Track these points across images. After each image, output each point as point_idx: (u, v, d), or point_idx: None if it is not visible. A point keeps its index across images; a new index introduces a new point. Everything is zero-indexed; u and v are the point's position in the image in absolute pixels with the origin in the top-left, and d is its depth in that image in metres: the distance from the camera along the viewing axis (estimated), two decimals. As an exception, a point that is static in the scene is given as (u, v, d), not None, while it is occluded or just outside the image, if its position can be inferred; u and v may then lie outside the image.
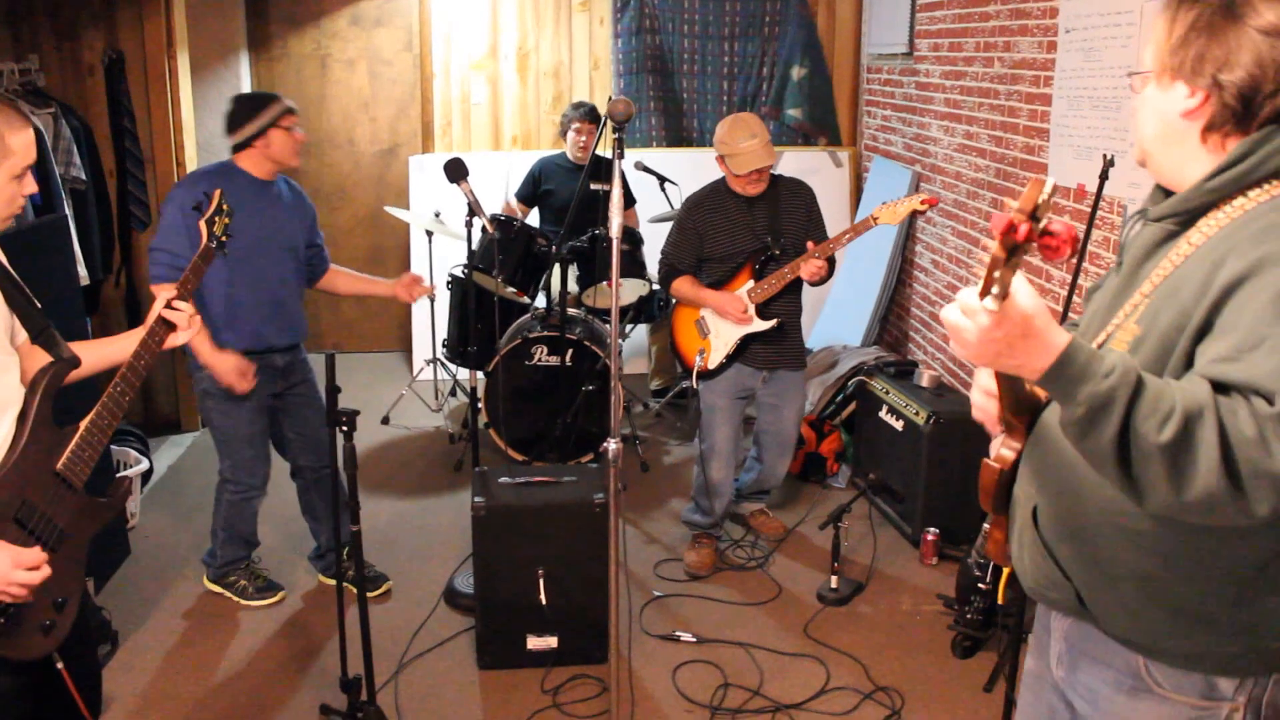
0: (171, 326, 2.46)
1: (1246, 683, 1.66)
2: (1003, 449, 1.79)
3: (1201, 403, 1.40)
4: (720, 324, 4.32)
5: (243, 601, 4.16)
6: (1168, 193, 1.71)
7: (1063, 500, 1.73)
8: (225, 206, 2.76)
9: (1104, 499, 1.64)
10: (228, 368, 3.75)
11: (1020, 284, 1.39)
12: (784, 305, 4.28)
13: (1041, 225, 1.33)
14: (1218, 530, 1.56)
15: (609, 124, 4.75)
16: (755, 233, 4.27)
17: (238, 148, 3.87)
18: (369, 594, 4.09)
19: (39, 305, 2.35)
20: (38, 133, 4.73)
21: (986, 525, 1.92)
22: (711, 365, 4.32)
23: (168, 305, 2.44)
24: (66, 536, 2.28)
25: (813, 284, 4.22)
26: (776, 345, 4.31)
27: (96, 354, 2.53)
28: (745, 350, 4.30)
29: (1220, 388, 1.43)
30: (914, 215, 4.24)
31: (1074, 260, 3.74)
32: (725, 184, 4.31)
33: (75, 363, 2.34)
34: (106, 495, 2.46)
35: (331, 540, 4.29)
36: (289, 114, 3.87)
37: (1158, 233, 1.71)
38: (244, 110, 3.86)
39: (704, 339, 4.36)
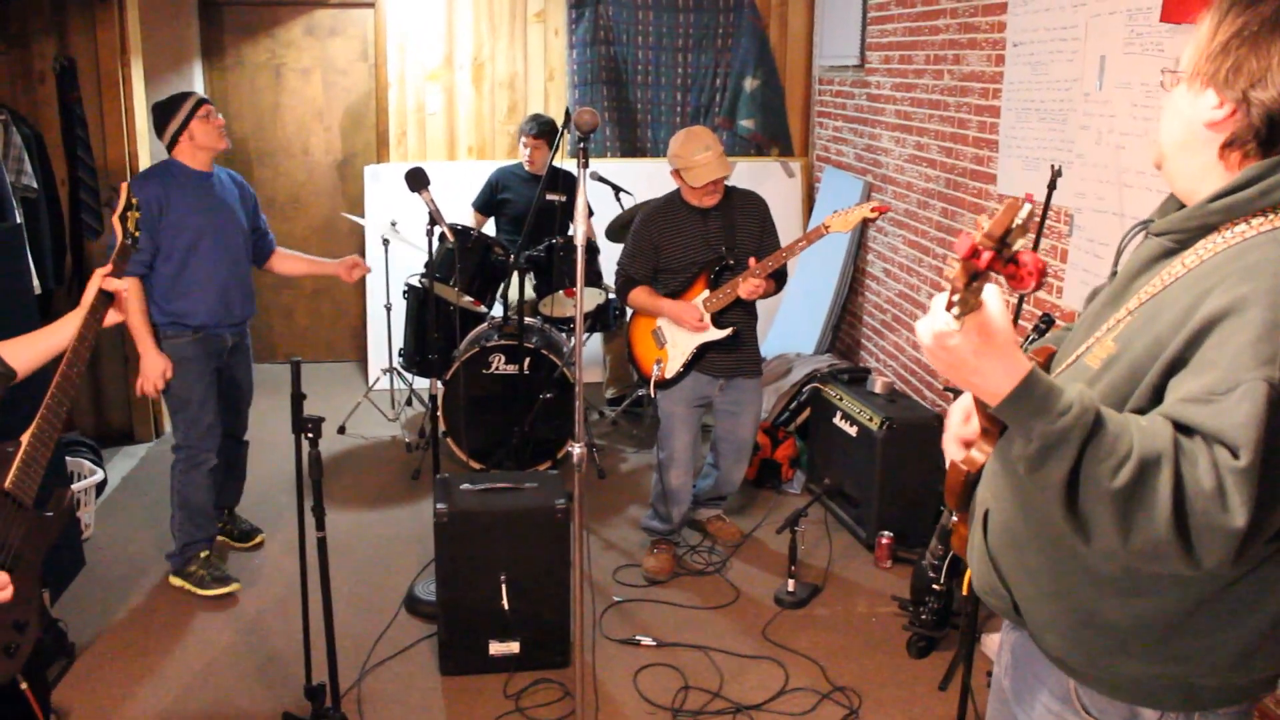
0: (110, 299, 2.47)
1: (1169, 715, 1.64)
2: (974, 451, 1.77)
3: (1160, 450, 1.36)
4: (677, 334, 4.36)
5: (199, 591, 4.26)
6: (1181, 206, 1.63)
7: (1011, 509, 1.71)
8: (134, 201, 2.74)
9: (1048, 516, 1.59)
10: (154, 369, 4.02)
11: (994, 301, 1.37)
12: (739, 314, 4.33)
13: (1010, 252, 1.29)
14: None
15: (566, 135, 4.81)
16: (710, 243, 4.32)
17: (170, 147, 4.19)
18: (242, 545, 4.70)
19: None
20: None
21: (953, 520, 1.95)
22: (669, 375, 4.37)
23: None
24: (21, 556, 2.23)
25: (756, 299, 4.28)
26: (733, 354, 4.37)
27: (40, 346, 2.48)
28: (702, 359, 4.35)
29: (1184, 429, 1.39)
30: (865, 223, 4.32)
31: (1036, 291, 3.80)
32: (680, 195, 4.37)
33: (11, 375, 2.29)
34: (49, 510, 2.40)
35: (231, 499, 4.72)
36: (203, 104, 4.18)
37: (1155, 248, 1.64)
38: (163, 113, 4.18)
39: (661, 349, 4.41)
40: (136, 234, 2.73)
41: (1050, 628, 1.70)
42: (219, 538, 4.59)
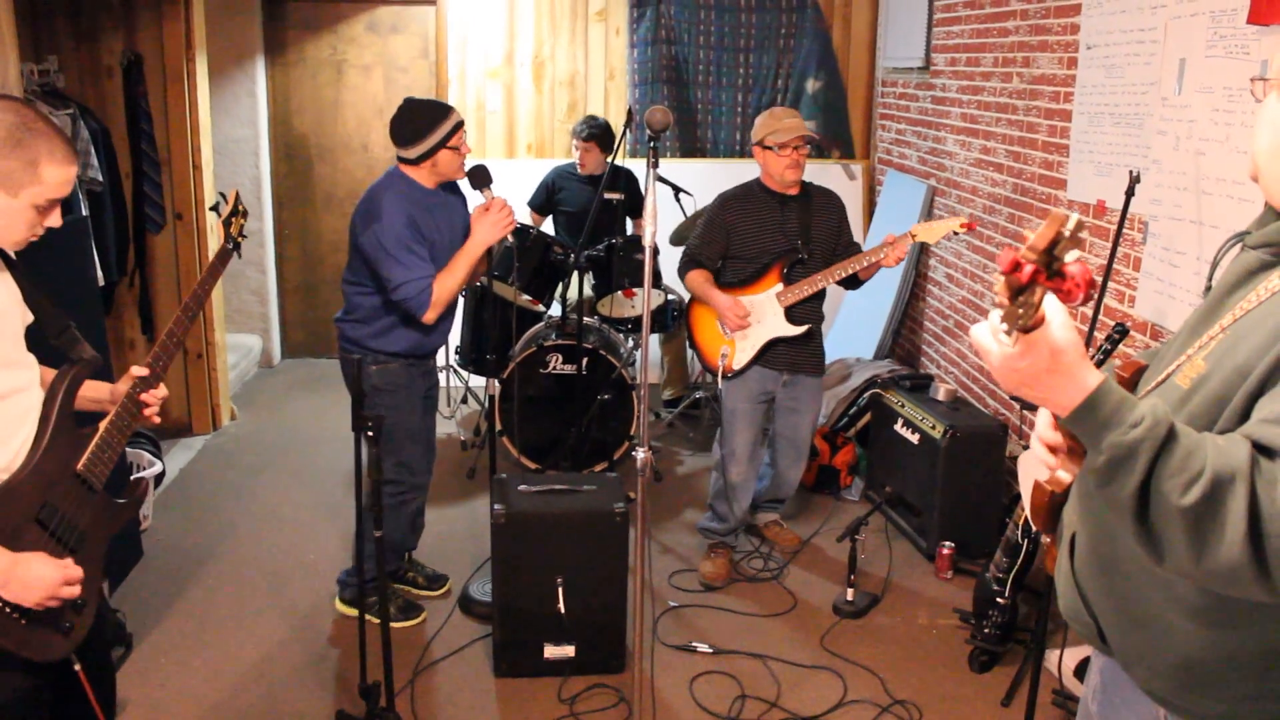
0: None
1: None
2: (1060, 472, 1.70)
3: (1235, 468, 1.30)
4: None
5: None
6: (1279, 217, 1.57)
7: (1098, 535, 1.65)
8: (242, 207, 2.74)
9: (1126, 536, 1.52)
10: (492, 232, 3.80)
11: (1056, 314, 1.32)
12: (810, 311, 4.30)
13: (1057, 265, 1.24)
14: None
15: (628, 133, 4.76)
16: (786, 234, 4.27)
17: (404, 161, 3.79)
18: (431, 593, 4.25)
19: (55, 305, 2.31)
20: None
21: (1046, 540, 1.88)
22: (736, 365, 4.31)
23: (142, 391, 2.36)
24: (86, 538, 2.26)
25: (863, 280, 4.27)
26: (800, 349, 4.32)
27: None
28: (769, 352, 4.30)
29: (1266, 451, 1.33)
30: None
31: (1090, 298, 3.70)
32: (760, 184, 4.32)
33: (97, 362, 2.31)
34: (124, 496, 2.43)
35: (411, 542, 4.26)
36: (458, 130, 3.76)
37: (1251, 261, 1.56)
38: (418, 125, 3.72)
39: (728, 339, 4.35)
40: (240, 239, 2.72)
41: (1137, 658, 1.63)
42: (400, 586, 4.23)
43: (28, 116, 2.09)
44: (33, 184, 2.10)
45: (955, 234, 4.08)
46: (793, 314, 4.26)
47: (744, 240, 4.30)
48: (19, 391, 2.18)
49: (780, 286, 4.25)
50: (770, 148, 4.19)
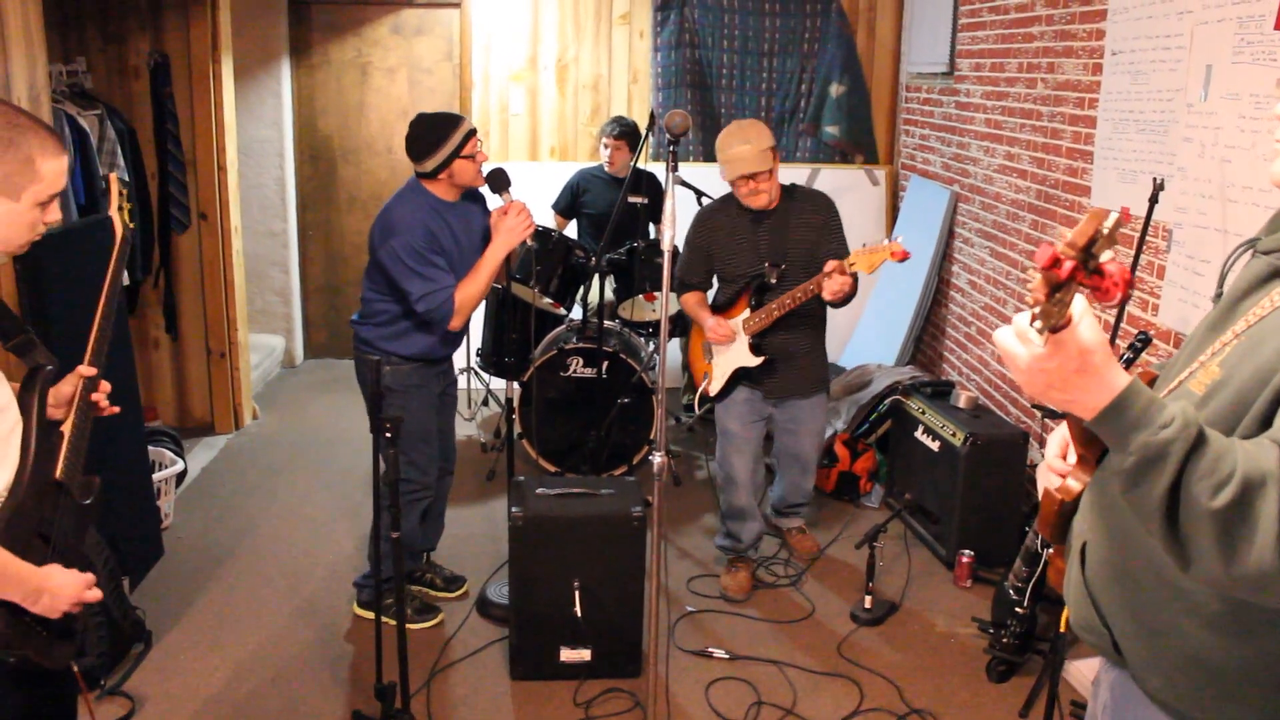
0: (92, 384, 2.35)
1: None
2: (1070, 480, 1.69)
3: (1265, 472, 1.30)
4: (719, 351, 4.25)
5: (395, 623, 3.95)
6: None
7: (1112, 543, 1.63)
8: (124, 191, 2.64)
9: (1154, 549, 1.50)
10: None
11: (1084, 314, 1.30)
12: (786, 337, 4.14)
13: (1094, 263, 1.22)
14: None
15: (650, 137, 4.75)
16: (760, 253, 4.10)
17: (422, 175, 3.81)
18: (448, 595, 4.26)
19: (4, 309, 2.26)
20: (84, 134, 4.78)
21: (1049, 552, 1.86)
22: (712, 391, 4.28)
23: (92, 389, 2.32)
24: (70, 545, 2.22)
25: (835, 304, 3.90)
26: (779, 377, 4.19)
27: None
28: (740, 382, 4.21)
29: None
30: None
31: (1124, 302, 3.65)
32: (735, 198, 4.15)
33: (58, 368, 2.25)
34: (87, 499, 2.33)
35: (430, 542, 4.30)
36: (470, 138, 3.76)
37: (1263, 267, 1.55)
38: (429, 137, 3.74)
39: (708, 363, 4.32)
40: (132, 225, 2.62)
41: (1152, 669, 1.61)
42: (416, 588, 4.27)
43: (10, 114, 2.02)
44: (34, 182, 2.03)
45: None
46: (760, 342, 4.11)
47: (723, 260, 4.17)
48: (3, 410, 2.12)
49: (748, 313, 4.12)
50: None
